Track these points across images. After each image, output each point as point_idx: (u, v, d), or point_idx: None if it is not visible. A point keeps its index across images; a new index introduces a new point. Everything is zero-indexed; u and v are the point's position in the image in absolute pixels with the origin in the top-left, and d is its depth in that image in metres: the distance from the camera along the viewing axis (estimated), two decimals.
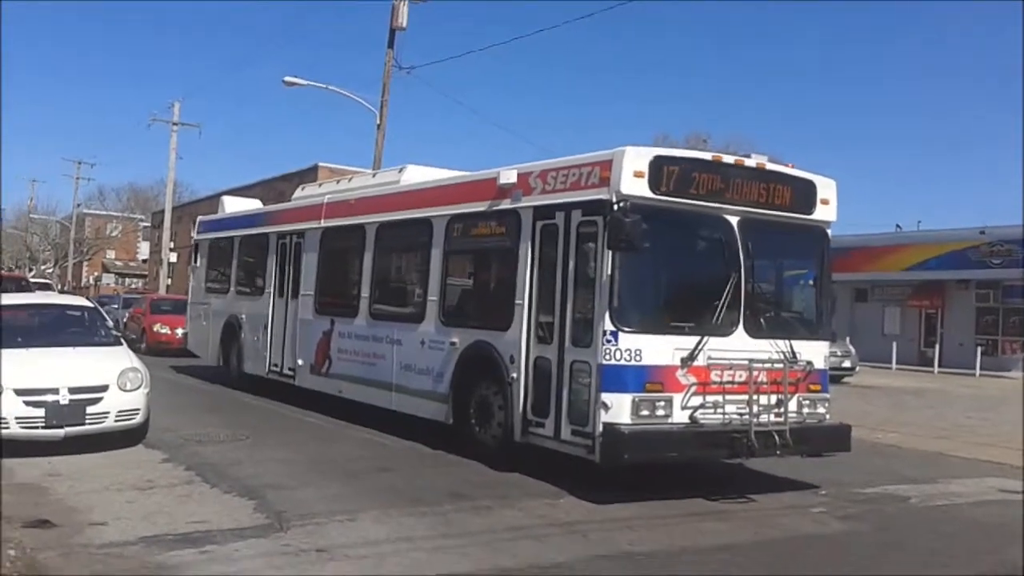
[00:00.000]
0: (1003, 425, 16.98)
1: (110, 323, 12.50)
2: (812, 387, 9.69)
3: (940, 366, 34.58)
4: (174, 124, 43.26)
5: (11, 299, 12.35)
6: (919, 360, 36.92)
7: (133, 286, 79.33)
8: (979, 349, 34.48)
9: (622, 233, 8.43)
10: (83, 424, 9.82)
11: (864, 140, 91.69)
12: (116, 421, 10.08)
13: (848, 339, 28.39)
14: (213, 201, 47.69)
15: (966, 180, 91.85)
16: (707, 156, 9.59)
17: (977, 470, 11.96)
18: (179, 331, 22.83)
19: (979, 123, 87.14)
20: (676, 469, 9.63)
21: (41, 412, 9.60)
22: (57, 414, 9.66)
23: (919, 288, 38.70)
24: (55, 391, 9.70)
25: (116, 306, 31.76)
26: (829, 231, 10.25)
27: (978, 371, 33.07)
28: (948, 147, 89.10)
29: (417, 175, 13.05)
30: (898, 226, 44.26)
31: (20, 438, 9.54)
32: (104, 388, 10.01)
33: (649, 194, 8.80)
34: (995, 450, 13.56)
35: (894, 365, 34.38)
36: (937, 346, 36.23)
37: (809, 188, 9.99)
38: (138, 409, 10.30)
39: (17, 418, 9.51)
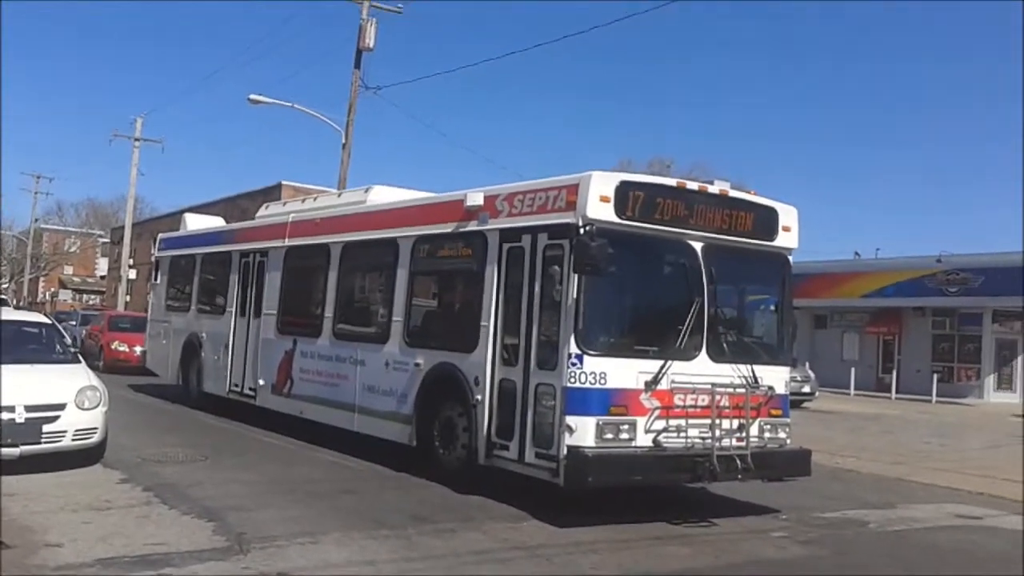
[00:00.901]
0: (960, 451, 17.25)
1: (68, 340, 12.32)
2: (773, 412, 9.79)
3: (897, 392, 35.05)
4: (136, 140, 42.96)
5: None
6: (877, 386, 37.42)
7: (91, 302, 78.16)
8: (935, 376, 35.01)
9: (587, 257, 8.49)
10: (39, 443, 9.63)
11: (825, 168, 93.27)
12: (73, 440, 9.90)
13: (807, 365, 28.72)
14: (174, 218, 47.44)
15: (924, 209, 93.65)
16: (672, 182, 9.70)
17: (935, 496, 12.12)
18: (137, 349, 22.57)
19: (938, 152, 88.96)
20: (638, 492, 9.65)
21: None
22: (12, 432, 9.45)
23: (877, 315, 39.27)
24: (11, 408, 9.51)
25: (74, 323, 31.29)
26: (791, 257, 10.41)
27: (934, 397, 33.56)
28: (907, 176, 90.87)
29: (383, 195, 13.05)
30: (857, 253, 44.99)
31: None
32: (62, 406, 9.84)
33: (615, 219, 8.88)
34: (953, 475, 13.76)
35: (852, 391, 34.78)
36: (894, 372, 36.74)
37: (771, 215, 10.14)
38: (96, 428, 10.13)
39: None
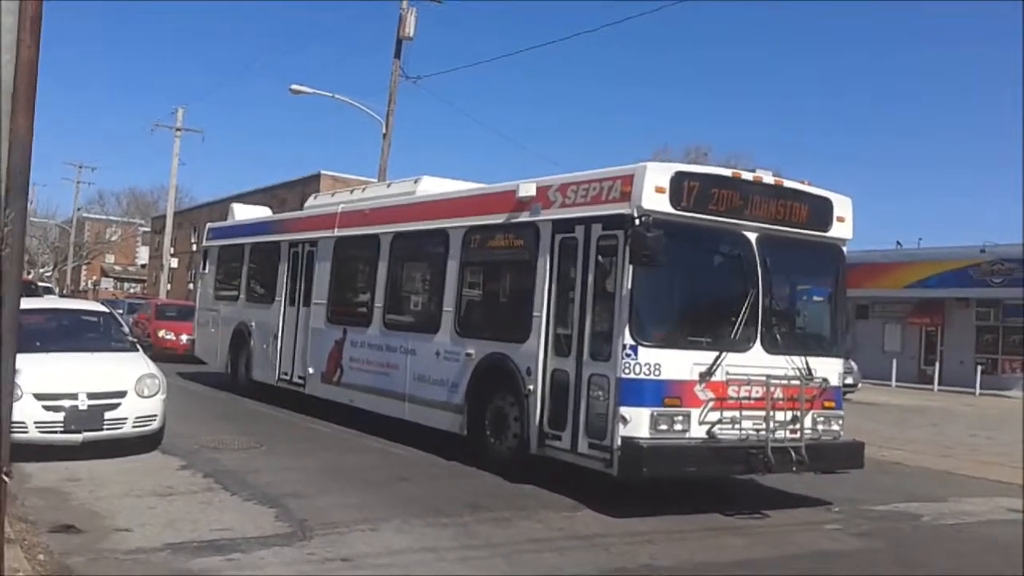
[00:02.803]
0: (1007, 444, 17.04)
1: (126, 328, 12.55)
2: (827, 404, 9.76)
3: (940, 384, 34.63)
4: (177, 129, 43.39)
5: (29, 303, 12.37)
6: (919, 378, 37.00)
7: (132, 290, 79.34)
8: (979, 368, 34.54)
9: (643, 248, 8.51)
10: (101, 429, 9.87)
11: (865, 155, 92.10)
12: (134, 427, 10.13)
13: (850, 356, 28.45)
14: (214, 207, 48.12)
15: (967, 198, 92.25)
16: (727, 172, 9.69)
17: (985, 489, 12.02)
18: (184, 337, 22.87)
19: (980, 140, 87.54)
20: (689, 483, 9.69)
21: (60, 417, 9.65)
22: (76, 419, 9.71)
23: (919, 306, 38.81)
24: (74, 396, 9.76)
25: (121, 311, 31.71)
26: (845, 248, 10.36)
27: (978, 390, 33.13)
28: (950, 164, 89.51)
29: (433, 186, 13.13)
30: (899, 243, 44.39)
31: (39, 443, 9.55)
32: (122, 394, 10.07)
33: (670, 209, 8.88)
34: (1001, 469, 13.62)
35: (894, 382, 34.45)
36: (937, 364, 36.28)
37: (826, 206, 10.09)
38: (155, 415, 10.35)
39: (36, 422, 9.55)
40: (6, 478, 4.40)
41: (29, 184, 4.37)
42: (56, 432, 9.66)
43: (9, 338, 4.35)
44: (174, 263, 50.59)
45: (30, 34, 4.22)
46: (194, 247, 51.74)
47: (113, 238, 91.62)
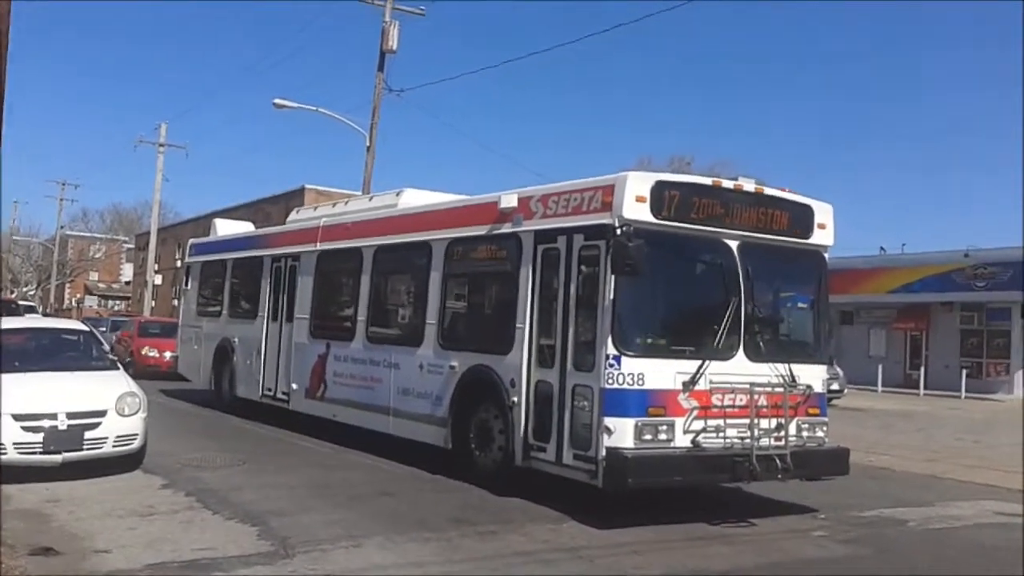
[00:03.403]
0: (993, 448, 17.10)
1: (106, 347, 12.43)
2: (811, 411, 9.75)
3: (926, 388, 34.78)
4: (160, 145, 43.24)
5: (8, 323, 12.26)
6: (905, 382, 37.15)
7: (116, 308, 78.91)
8: (964, 371, 34.72)
9: (625, 257, 8.49)
10: (81, 449, 9.75)
11: (849, 161, 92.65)
12: (114, 446, 10.01)
13: (835, 361, 28.49)
14: (198, 223, 47.88)
15: (950, 203, 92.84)
16: (707, 181, 9.68)
17: (972, 493, 12.03)
18: (168, 354, 22.71)
19: (962, 144, 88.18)
20: (675, 493, 9.64)
21: (39, 437, 9.52)
22: (55, 439, 9.58)
23: (904, 311, 38.98)
24: (53, 416, 9.64)
25: (104, 329, 31.51)
26: (827, 255, 10.37)
27: (963, 393, 33.29)
28: (931, 169, 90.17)
29: (415, 199, 13.10)
30: (882, 249, 44.62)
31: (18, 464, 9.44)
32: (102, 413, 9.95)
33: (651, 219, 8.87)
34: (989, 472, 13.65)
35: (880, 387, 34.56)
36: (922, 368, 36.45)
37: (807, 212, 10.10)
38: (136, 434, 10.24)
39: (15, 443, 9.42)
40: None
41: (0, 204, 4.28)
42: (35, 453, 9.53)
43: None
44: (158, 280, 50.33)
45: None
46: (178, 263, 51.39)
47: (97, 255, 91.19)
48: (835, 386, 26.05)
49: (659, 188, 8.99)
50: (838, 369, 27.30)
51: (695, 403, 8.93)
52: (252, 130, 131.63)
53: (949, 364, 36.45)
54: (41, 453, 9.54)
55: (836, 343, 35.79)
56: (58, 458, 9.60)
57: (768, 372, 9.33)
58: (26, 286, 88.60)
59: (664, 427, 8.76)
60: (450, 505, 9.34)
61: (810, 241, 10.11)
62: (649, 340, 9.11)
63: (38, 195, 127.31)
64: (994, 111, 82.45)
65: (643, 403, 8.72)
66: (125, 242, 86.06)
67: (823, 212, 10.20)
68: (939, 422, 23.48)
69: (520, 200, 10.23)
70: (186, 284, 19.58)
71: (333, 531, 7.96)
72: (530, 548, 7.77)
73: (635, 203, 8.82)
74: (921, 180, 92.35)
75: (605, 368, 8.72)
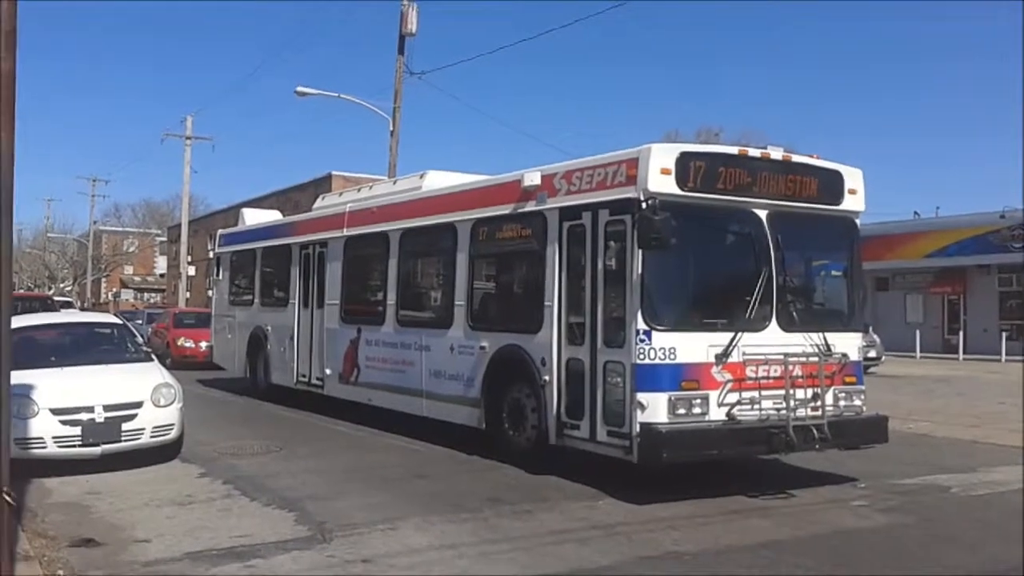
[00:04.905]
0: None
1: (140, 339, 12.55)
2: (847, 379, 9.62)
3: (965, 353, 34.27)
4: (187, 138, 43.48)
5: (41, 319, 12.44)
6: (943, 347, 36.66)
7: (152, 301, 79.87)
8: (1004, 334, 34.14)
9: (652, 231, 8.39)
10: (119, 441, 9.87)
11: (880, 126, 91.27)
12: (152, 437, 10.11)
13: (871, 329, 28.19)
14: (228, 213, 48.23)
15: (984, 164, 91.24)
16: (733, 150, 9.55)
17: (1015, 457, 11.78)
18: (203, 344, 22.92)
19: (995, 103, 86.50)
20: (711, 466, 9.56)
21: (77, 431, 9.65)
22: (93, 432, 9.71)
23: (940, 275, 38.41)
24: (90, 409, 9.76)
25: (140, 321, 31.89)
26: (858, 221, 10.20)
27: (1003, 356, 32.74)
28: (964, 130, 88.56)
29: (439, 180, 13.06)
30: (916, 213, 43.93)
31: (57, 457, 9.60)
32: (139, 404, 10.06)
33: (677, 191, 8.76)
34: None
35: (918, 353, 34.12)
36: (961, 333, 35.91)
37: (836, 178, 9.93)
38: (173, 424, 10.34)
39: (54, 437, 9.56)
40: (7, 499, 4.33)
41: (13, 201, 4.27)
42: (74, 446, 9.66)
43: (5, 356, 4.29)
44: (191, 271, 50.84)
45: (5, 47, 4.14)
46: (211, 254, 51.82)
47: (130, 249, 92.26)
48: (872, 353, 25.80)
49: (684, 159, 8.86)
50: (875, 336, 27.02)
51: (729, 376, 8.84)
52: (278, 120, 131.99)
53: (988, 327, 35.89)
54: (80, 446, 9.67)
55: (872, 310, 35.48)
56: (97, 450, 9.73)
57: (802, 342, 9.22)
58: (63, 282, 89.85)
59: (698, 401, 8.68)
60: (485, 485, 9.34)
61: (841, 207, 9.93)
62: (679, 314, 9.03)
63: (70, 192, 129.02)
64: None
65: (676, 377, 8.65)
66: (158, 235, 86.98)
67: (853, 177, 10.02)
68: (980, 386, 23.13)
69: (544, 177, 10.15)
70: (217, 274, 19.75)
71: (370, 514, 7.99)
72: (567, 526, 7.75)
73: (660, 175, 8.70)
74: (954, 140, 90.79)
75: (636, 344, 8.64)
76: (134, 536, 7.36)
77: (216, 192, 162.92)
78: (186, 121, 43.72)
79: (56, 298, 40.52)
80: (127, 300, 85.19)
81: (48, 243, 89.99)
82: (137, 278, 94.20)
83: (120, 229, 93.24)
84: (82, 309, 49.78)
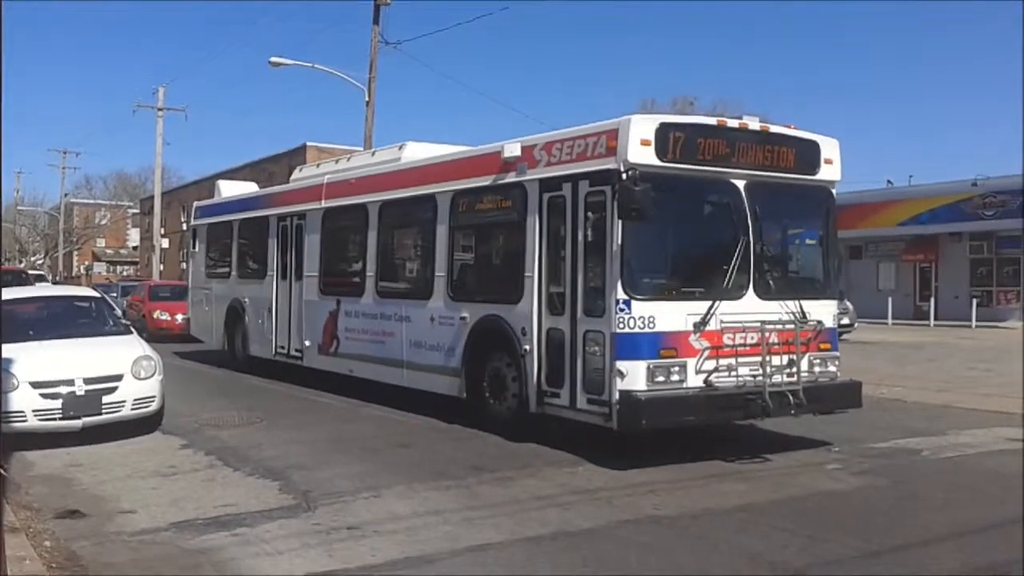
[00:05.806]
0: (1005, 376, 17.11)
1: (118, 312, 12.52)
2: (822, 346, 9.78)
3: (936, 319, 34.77)
4: (160, 109, 42.97)
5: (19, 292, 12.34)
6: (915, 314, 37.17)
7: (125, 273, 79.12)
8: (974, 301, 34.63)
9: (631, 202, 8.46)
10: (100, 414, 9.88)
11: (851, 95, 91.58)
12: (132, 409, 10.13)
13: (845, 296, 28.50)
14: (201, 185, 47.81)
15: (956, 132, 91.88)
16: (711, 121, 9.62)
17: (985, 420, 12.08)
18: (179, 317, 22.85)
19: (967, 73, 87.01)
20: (689, 432, 9.72)
21: (58, 404, 9.65)
22: (74, 405, 9.71)
23: (912, 243, 38.85)
24: (70, 382, 9.75)
25: (115, 294, 31.61)
26: (834, 190, 10.33)
27: (974, 322, 33.26)
28: (937, 99, 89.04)
29: (418, 152, 13.03)
30: (889, 181, 44.33)
31: (38, 430, 9.60)
32: (119, 377, 10.06)
33: (656, 162, 8.82)
34: (1000, 400, 13.68)
35: (890, 320, 34.58)
36: (932, 299, 36.38)
37: (813, 148, 10.03)
38: (153, 396, 10.36)
39: (34, 411, 9.56)
40: (2, 471, 4.37)
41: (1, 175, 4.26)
42: (55, 419, 9.66)
43: None
44: (165, 243, 50.43)
45: None
46: (184, 226, 51.49)
47: (103, 222, 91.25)
48: (845, 320, 26.04)
49: (663, 130, 8.92)
50: (848, 303, 27.30)
51: (706, 343, 8.97)
52: (252, 90, 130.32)
53: (959, 294, 36.41)
54: (61, 419, 9.68)
55: (845, 278, 35.83)
56: (78, 423, 9.74)
57: (778, 309, 9.35)
58: (34, 255, 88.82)
59: (676, 368, 8.81)
60: (467, 453, 9.46)
61: (817, 177, 10.05)
62: (658, 283, 9.14)
63: (40, 164, 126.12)
64: (996, 33, 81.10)
65: (654, 345, 8.76)
66: (130, 207, 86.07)
67: (829, 147, 10.13)
68: (950, 352, 23.50)
69: (524, 149, 10.17)
70: (193, 247, 19.64)
71: (353, 483, 8.08)
72: (548, 492, 7.87)
73: (640, 147, 8.76)
74: (927, 109, 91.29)
75: (616, 313, 8.74)
76: (119, 507, 7.41)
77: (189, 163, 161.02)
78: (158, 92, 43.21)
79: (29, 271, 40.06)
80: (100, 273, 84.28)
81: (19, 216, 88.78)
82: (109, 251, 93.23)
83: (92, 201, 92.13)
84: (55, 282, 49.26)
